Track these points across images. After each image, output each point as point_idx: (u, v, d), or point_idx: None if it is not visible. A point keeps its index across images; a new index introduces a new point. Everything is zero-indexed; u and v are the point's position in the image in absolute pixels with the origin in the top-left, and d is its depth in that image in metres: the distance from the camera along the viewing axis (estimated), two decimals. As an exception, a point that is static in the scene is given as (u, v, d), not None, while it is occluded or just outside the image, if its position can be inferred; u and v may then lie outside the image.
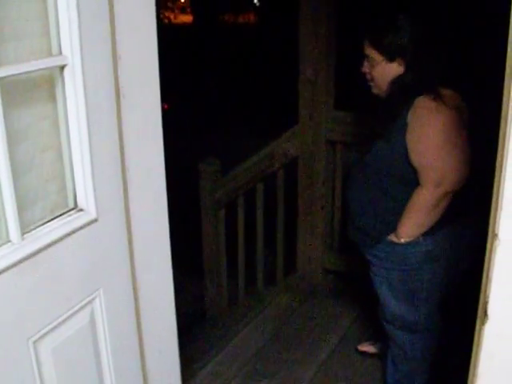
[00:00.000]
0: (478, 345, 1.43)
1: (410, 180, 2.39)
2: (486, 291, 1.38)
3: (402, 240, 2.45)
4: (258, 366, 3.28)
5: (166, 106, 2.11)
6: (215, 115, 8.99)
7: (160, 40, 1.94)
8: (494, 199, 1.36)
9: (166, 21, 14.41)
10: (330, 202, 3.88)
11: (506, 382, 1.43)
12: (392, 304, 2.66)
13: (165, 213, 2.05)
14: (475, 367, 1.44)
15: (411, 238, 2.44)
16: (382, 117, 2.49)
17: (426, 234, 2.44)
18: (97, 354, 1.80)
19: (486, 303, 1.38)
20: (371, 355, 3.31)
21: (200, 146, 6.66)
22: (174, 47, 8.81)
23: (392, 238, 2.49)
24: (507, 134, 1.28)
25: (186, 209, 3.81)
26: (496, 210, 1.33)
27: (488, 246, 1.38)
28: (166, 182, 2.05)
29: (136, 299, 1.95)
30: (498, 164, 1.35)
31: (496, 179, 1.35)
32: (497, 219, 1.33)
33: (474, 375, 1.45)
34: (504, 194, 1.30)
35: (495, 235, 1.33)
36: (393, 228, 2.48)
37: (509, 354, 1.38)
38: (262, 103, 8.81)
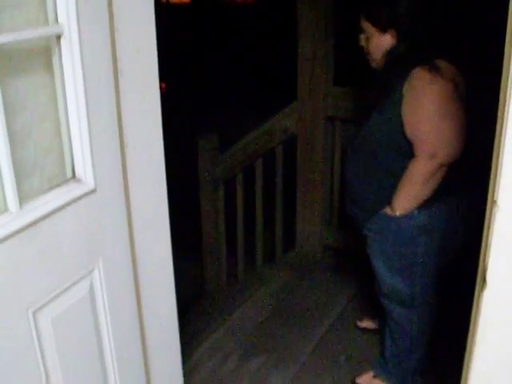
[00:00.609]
0: (477, 312, 1.43)
1: (406, 152, 2.38)
2: (484, 258, 1.38)
3: (397, 213, 2.45)
4: (257, 341, 3.29)
5: (163, 86, 2.09)
6: (214, 94, 8.97)
7: (158, 19, 1.92)
8: (493, 166, 1.35)
9: (164, 0, 14.32)
10: (328, 178, 3.88)
11: (504, 348, 1.43)
12: (388, 278, 2.66)
13: (163, 187, 2.04)
14: (474, 335, 1.45)
15: (406, 211, 2.44)
16: (378, 89, 2.49)
17: (420, 207, 2.44)
18: (96, 326, 1.80)
19: (484, 270, 1.38)
20: (370, 331, 3.32)
21: (200, 124, 6.65)
22: (172, 26, 8.77)
23: (387, 211, 2.49)
24: (507, 99, 1.28)
25: (185, 187, 3.80)
26: (495, 176, 1.33)
27: (487, 213, 1.38)
28: (166, 160, 2.05)
29: (135, 271, 1.94)
30: (497, 130, 1.34)
31: (496, 145, 1.35)
32: (496, 186, 1.32)
33: (473, 342, 1.46)
34: (504, 160, 1.30)
35: (494, 202, 1.33)
36: (388, 201, 2.48)
37: (507, 321, 1.39)
38: (262, 81, 8.79)
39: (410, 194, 2.41)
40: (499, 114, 1.33)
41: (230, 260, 3.86)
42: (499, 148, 1.32)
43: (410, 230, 2.49)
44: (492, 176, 1.36)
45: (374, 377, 2.95)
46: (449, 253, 2.61)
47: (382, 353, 2.97)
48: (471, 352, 1.50)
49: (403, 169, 2.40)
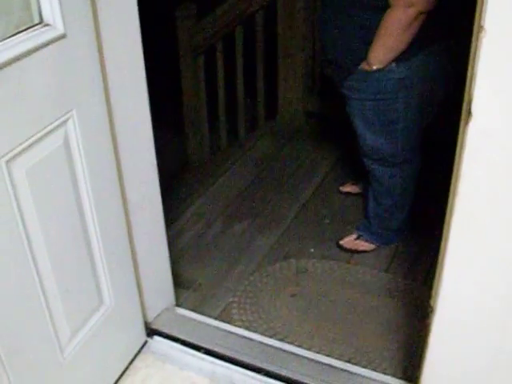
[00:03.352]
0: (462, 146, 1.41)
1: (381, 6, 2.29)
2: (470, 89, 1.34)
3: (374, 67, 2.38)
4: (241, 206, 3.30)
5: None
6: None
7: None
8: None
9: None
10: (310, 42, 3.79)
11: (488, 180, 1.41)
12: (368, 136, 2.63)
13: (138, 43, 1.93)
14: (458, 168, 1.43)
15: (382, 64, 2.36)
16: None
17: (399, 61, 2.37)
18: (73, 179, 1.75)
19: (470, 101, 1.34)
20: (353, 195, 3.33)
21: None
22: None
23: (364, 66, 2.41)
24: None
25: (166, 60, 3.70)
26: (482, 0, 1.27)
27: (473, 41, 1.34)
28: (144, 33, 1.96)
29: (112, 125, 1.88)
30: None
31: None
32: (483, 10, 1.27)
33: (457, 177, 1.44)
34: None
35: (481, 27, 1.28)
36: (364, 57, 2.41)
37: (491, 150, 1.36)
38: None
39: (386, 46, 2.32)
40: None
41: (212, 131, 3.81)
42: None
43: (389, 85, 2.43)
44: (479, 1, 1.30)
45: (357, 238, 2.97)
46: (430, 108, 2.57)
47: (366, 214, 2.99)
48: (455, 190, 1.48)
49: (378, 23, 2.31)
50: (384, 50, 2.33)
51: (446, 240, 1.56)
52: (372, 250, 2.94)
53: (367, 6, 2.33)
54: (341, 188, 3.39)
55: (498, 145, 1.35)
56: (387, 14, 2.26)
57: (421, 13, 2.22)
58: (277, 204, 3.30)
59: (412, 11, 2.21)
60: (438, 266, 1.66)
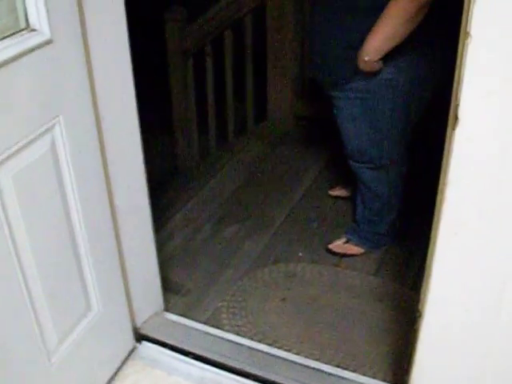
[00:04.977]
0: (449, 151, 1.41)
1: (376, 9, 2.29)
2: (457, 94, 1.35)
3: (366, 58, 2.33)
4: (230, 210, 3.30)
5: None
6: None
7: None
8: (466, -4, 1.30)
9: None
10: (299, 46, 3.78)
11: (475, 187, 1.42)
12: (354, 139, 2.64)
13: (126, 49, 1.93)
14: (446, 175, 1.43)
15: (377, 56, 2.32)
16: None
17: (387, 62, 2.35)
18: (60, 184, 1.74)
19: (456, 106, 1.35)
20: (343, 198, 3.33)
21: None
22: None
23: (361, 57, 2.37)
24: None
25: (155, 64, 3.69)
26: (469, 7, 1.28)
27: (459, 46, 1.34)
28: (132, 36, 1.96)
29: (99, 131, 1.87)
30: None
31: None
32: (469, 17, 1.27)
33: (445, 183, 1.44)
34: (477, -12, 1.24)
35: (467, 33, 1.28)
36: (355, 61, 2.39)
37: (478, 156, 1.37)
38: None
39: (386, 35, 2.28)
40: None
41: (201, 135, 3.80)
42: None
43: (377, 85, 2.43)
44: (465, 7, 1.31)
45: (346, 242, 2.97)
46: (417, 110, 2.57)
47: (355, 218, 2.99)
48: (442, 196, 1.48)
49: (364, 26, 2.31)
50: (383, 38, 2.29)
51: (434, 245, 1.56)
52: (361, 254, 2.94)
53: (364, 10, 2.32)
54: (330, 192, 3.39)
55: (484, 151, 1.35)
56: (391, 3, 2.23)
57: (423, 6, 2.20)
58: (266, 208, 3.30)
59: (415, 2, 2.19)
60: (426, 270, 1.66)
